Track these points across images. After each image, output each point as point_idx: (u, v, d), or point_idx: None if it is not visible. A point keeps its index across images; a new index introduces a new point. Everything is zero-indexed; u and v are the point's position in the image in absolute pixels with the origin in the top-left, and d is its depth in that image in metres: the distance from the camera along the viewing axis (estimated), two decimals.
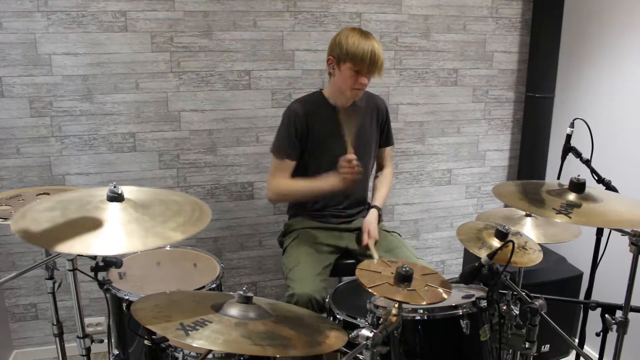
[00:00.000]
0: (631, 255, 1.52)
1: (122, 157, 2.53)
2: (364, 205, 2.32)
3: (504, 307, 1.60)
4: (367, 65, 1.96)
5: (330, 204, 2.23)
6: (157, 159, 2.58)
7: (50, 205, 1.27)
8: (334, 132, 2.08)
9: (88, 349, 1.65)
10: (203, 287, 1.82)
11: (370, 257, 2.05)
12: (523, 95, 2.96)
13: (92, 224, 1.17)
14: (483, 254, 1.42)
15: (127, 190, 1.32)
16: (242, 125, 2.64)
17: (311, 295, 1.87)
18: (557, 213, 1.40)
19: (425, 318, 1.47)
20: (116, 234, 1.18)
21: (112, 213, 1.23)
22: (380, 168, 2.40)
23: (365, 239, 2.12)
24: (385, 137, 2.32)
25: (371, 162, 2.29)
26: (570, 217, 1.38)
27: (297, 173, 2.16)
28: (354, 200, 2.27)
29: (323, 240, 2.17)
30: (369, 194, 2.37)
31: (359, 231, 2.22)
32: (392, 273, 1.30)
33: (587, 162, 1.88)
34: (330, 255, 2.17)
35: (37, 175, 2.45)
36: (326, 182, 2.01)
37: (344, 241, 2.21)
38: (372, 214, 2.20)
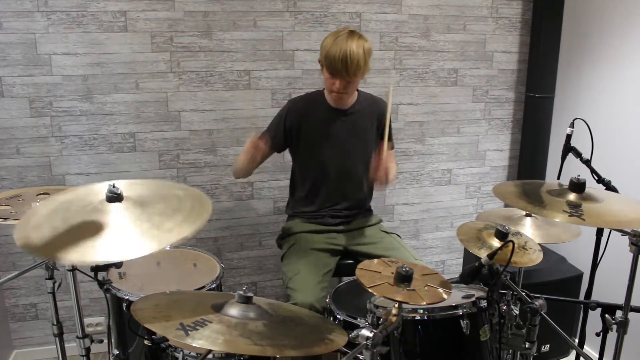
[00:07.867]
0: (631, 255, 1.53)
1: (122, 157, 2.53)
2: (363, 208, 2.31)
3: (504, 307, 1.60)
4: (339, 69, 1.94)
5: (327, 205, 2.22)
6: (157, 159, 2.58)
7: (51, 208, 1.26)
8: (325, 132, 2.13)
9: (88, 349, 1.65)
10: (203, 287, 1.83)
11: None
12: (523, 95, 2.96)
13: (93, 230, 1.16)
14: (483, 254, 1.42)
15: (127, 185, 1.31)
16: (242, 125, 2.63)
17: (313, 305, 1.88)
18: (569, 216, 1.39)
19: (425, 318, 1.47)
20: (116, 240, 1.15)
21: (112, 215, 1.20)
22: None
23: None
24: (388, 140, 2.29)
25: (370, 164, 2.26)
26: (584, 220, 1.38)
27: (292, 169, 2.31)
28: (353, 202, 2.25)
29: (321, 245, 2.16)
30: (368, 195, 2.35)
31: (357, 231, 2.22)
32: (392, 273, 1.30)
33: (587, 162, 1.88)
34: (331, 258, 2.16)
35: (37, 175, 2.45)
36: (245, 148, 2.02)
37: (342, 241, 2.21)
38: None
